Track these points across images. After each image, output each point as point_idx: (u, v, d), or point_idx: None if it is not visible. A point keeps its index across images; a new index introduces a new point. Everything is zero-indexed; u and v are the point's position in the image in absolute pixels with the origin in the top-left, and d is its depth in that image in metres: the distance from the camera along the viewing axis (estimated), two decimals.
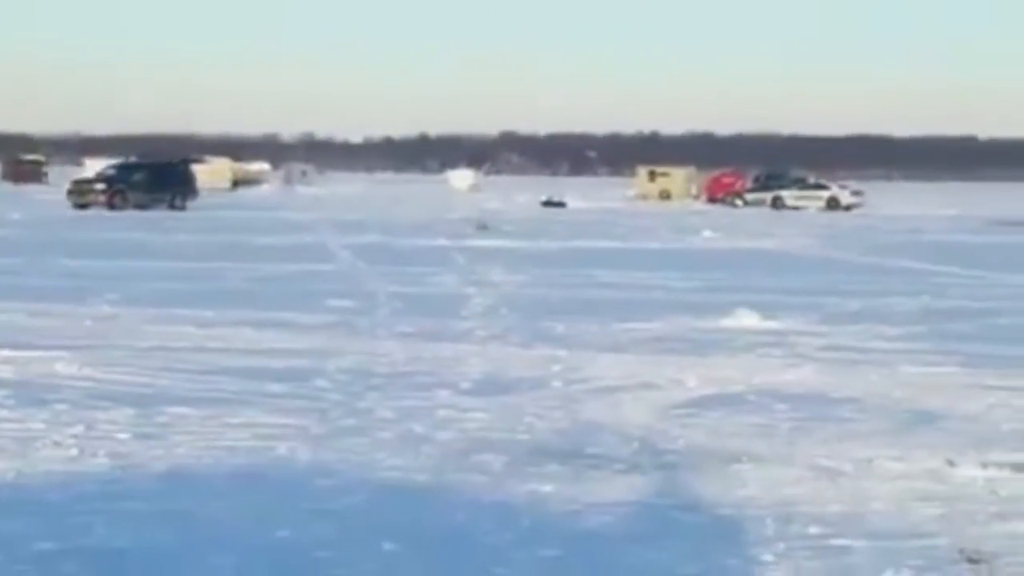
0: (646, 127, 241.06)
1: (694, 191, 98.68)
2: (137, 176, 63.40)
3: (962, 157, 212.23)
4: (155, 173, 64.32)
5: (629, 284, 27.20)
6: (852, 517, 9.19)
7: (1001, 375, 15.40)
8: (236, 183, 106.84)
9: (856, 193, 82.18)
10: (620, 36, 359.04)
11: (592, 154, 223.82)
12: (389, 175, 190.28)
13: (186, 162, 72.29)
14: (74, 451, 10.80)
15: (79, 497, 9.33)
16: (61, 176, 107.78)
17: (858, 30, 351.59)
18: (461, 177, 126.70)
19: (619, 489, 9.91)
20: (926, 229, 55.79)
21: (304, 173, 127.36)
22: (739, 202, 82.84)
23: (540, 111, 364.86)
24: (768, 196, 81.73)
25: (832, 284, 27.62)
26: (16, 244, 36.86)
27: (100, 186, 62.64)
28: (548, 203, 78.59)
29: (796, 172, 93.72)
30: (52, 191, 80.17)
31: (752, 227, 55.11)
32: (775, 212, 75.05)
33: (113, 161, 71.85)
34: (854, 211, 76.63)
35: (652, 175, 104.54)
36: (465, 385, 14.21)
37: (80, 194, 62.28)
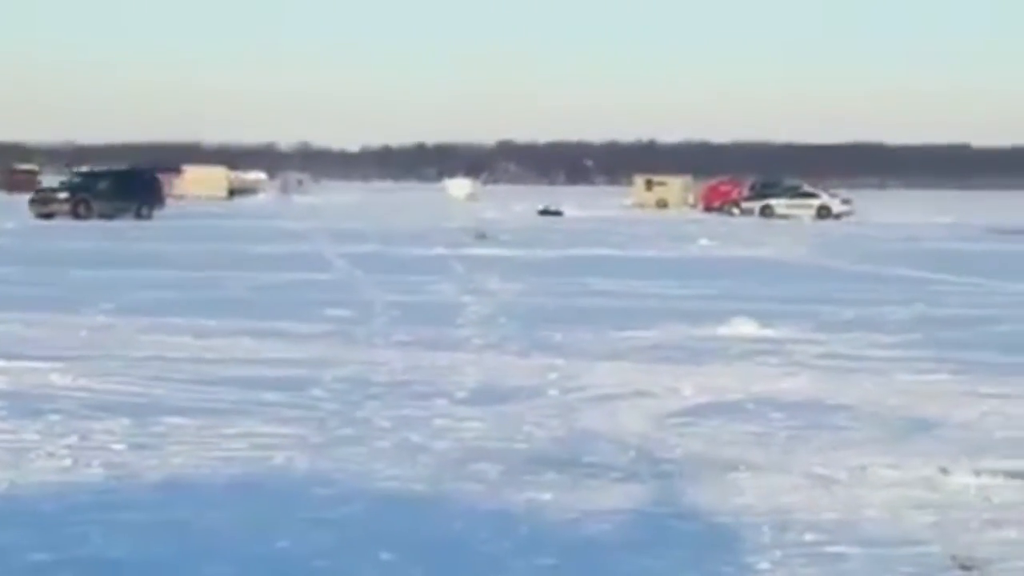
0: (643, 136, 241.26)
1: (691, 200, 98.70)
2: (102, 185, 62.04)
3: (956, 165, 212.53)
4: (120, 182, 63.02)
5: (626, 292, 27.22)
6: (847, 524, 9.22)
7: (995, 383, 15.43)
8: (232, 192, 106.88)
9: (846, 201, 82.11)
10: (617, 45, 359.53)
11: (589, 163, 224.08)
12: (386, 184, 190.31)
13: (153, 170, 70.82)
14: (69, 461, 10.80)
15: (74, 507, 9.34)
16: (56, 184, 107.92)
17: (853, 38, 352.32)
18: (458, 186, 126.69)
19: (616, 497, 9.94)
20: (921, 237, 55.85)
21: (300, 182, 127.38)
22: (735, 210, 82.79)
23: (537, 120, 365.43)
24: (758, 205, 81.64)
25: (828, 292, 27.65)
26: (9, 253, 36.86)
27: (64, 195, 61.21)
28: (545, 212, 78.63)
29: (792, 180, 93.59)
30: None
31: (748, 236, 55.15)
32: (768, 221, 74.81)
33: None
34: (844, 219, 76.53)
35: (649, 184, 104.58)
36: (462, 394, 14.23)
37: (43, 203, 60.73)
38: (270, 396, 13.85)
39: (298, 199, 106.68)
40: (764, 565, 8.30)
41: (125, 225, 55.55)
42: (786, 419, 13.05)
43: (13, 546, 8.34)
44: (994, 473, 10.77)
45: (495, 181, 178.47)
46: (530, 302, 24.72)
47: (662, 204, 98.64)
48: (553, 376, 15.46)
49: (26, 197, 65.66)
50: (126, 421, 12.39)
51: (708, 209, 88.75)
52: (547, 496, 9.91)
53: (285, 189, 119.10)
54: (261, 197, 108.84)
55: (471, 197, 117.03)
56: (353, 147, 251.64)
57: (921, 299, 26.04)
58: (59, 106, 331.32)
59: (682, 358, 17.34)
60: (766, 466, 11.04)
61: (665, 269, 34.76)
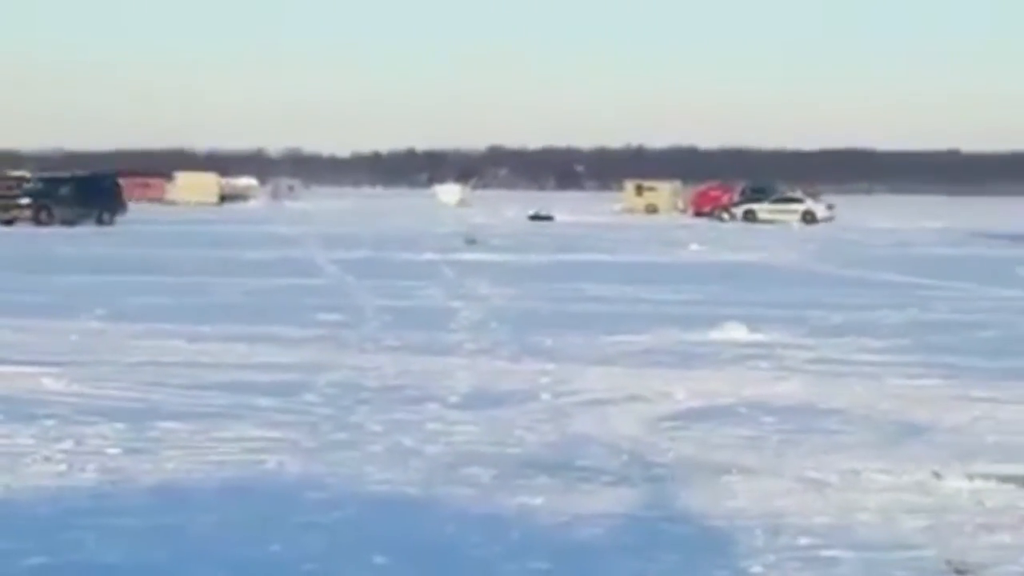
0: (633, 141, 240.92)
1: (680, 205, 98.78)
2: (64, 191, 61.18)
3: (945, 171, 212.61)
4: (82, 188, 62.18)
5: (617, 297, 27.26)
6: (840, 528, 9.25)
7: (986, 387, 15.48)
8: (224, 198, 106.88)
9: (830, 207, 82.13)
10: (607, 51, 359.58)
11: (579, 168, 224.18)
12: (377, 190, 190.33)
13: (114, 176, 69.57)
14: (63, 466, 10.83)
15: (69, 512, 9.35)
16: None
17: (843, 44, 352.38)
18: (449, 191, 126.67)
19: (608, 501, 9.96)
20: (911, 242, 55.93)
21: (291, 188, 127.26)
22: (726, 216, 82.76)
23: (527, 126, 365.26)
24: (741, 210, 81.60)
25: (818, 297, 27.70)
26: (19, 259, 36.87)
27: (25, 201, 60.20)
28: (536, 217, 78.64)
29: (782, 186, 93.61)
30: None
31: (738, 241, 55.21)
32: (756, 226, 74.57)
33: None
34: (826, 224, 76.41)
35: (639, 189, 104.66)
36: (454, 399, 14.25)
37: (4, 209, 59.43)
38: (262, 401, 13.87)
39: (289, 205, 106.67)
40: (757, 569, 8.32)
41: (93, 231, 55.10)
42: (778, 423, 13.08)
43: (9, 551, 8.35)
44: (987, 477, 10.81)
45: (485, 186, 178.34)
46: (521, 307, 24.75)
47: (652, 209, 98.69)
48: (545, 380, 15.49)
49: None
50: (120, 426, 12.40)
51: (698, 214, 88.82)
52: (539, 500, 9.93)
53: (276, 195, 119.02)
54: (252, 203, 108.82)
55: (462, 203, 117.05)
56: (343, 153, 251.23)
57: (911, 304, 26.11)
58: (50, 113, 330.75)
59: (673, 362, 17.38)
60: (758, 470, 11.07)
61: (656, 274, 34.80)
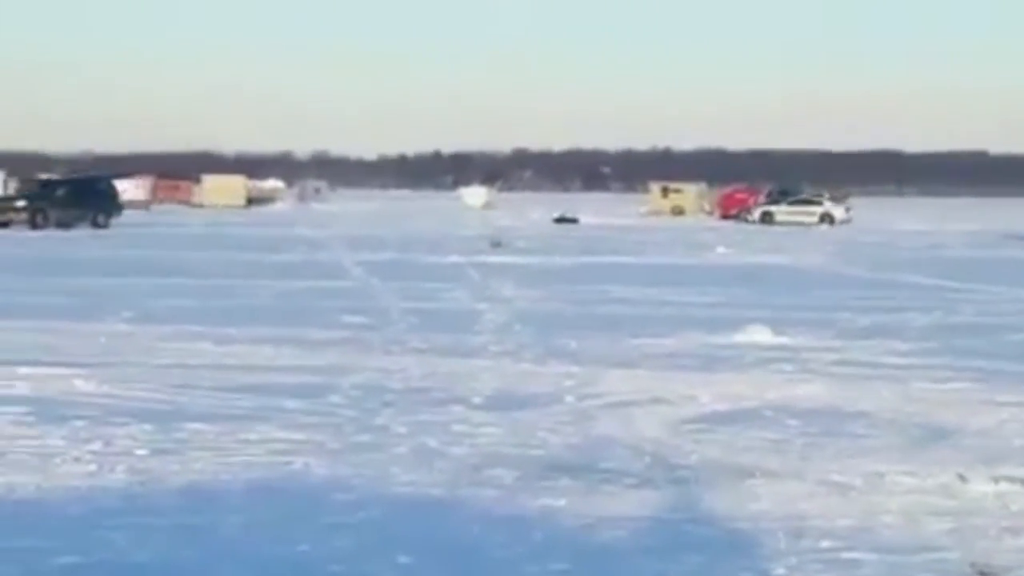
0: (659, 143, 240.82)
1: (707, 207, 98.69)
2: (59, 193, 61.02)
3: (974, 172, 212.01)
4: (77, 190, 62.09)
5: (642, 300, 27.29)
6: (863, 531, 9.28)
7: (1013, 390, 15.47)
8: (251, 200, 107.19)
9: (847, 209, 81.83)
10: (633, 52, 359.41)
11: (605, 170, 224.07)
12: (403, 192, 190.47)
13: (109, 179, 69.18)
14: (93, 467, 10.93)
15: (99, 512, 9.45)
16: None
17: (870, 45, 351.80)
18: (474, 194, 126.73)
19: (632, 503, 10.01)
20: (939, 244, 55.82)
21: (318, 190, 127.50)
22: (749, 217, 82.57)
23: (553, 128, 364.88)
24: (758, 212, 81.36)
25: (845, 299, 27.69)
26: (28, 262, 37.09)
27: (20, 203, 60.11)
28: (561, 219, 78.63)
29: (808, 188, 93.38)
30: None
31: (765, 243, 55.17)
32: (783, 229, 74.21)
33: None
34: (850, 226, 76.12)
35: (665, 191, 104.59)
36: (478, 400, 14.32)
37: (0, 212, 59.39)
38: (289, 402, 13.96)
39: (316, 207, 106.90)
40: (780, 571, 8.37)
41: (90, 234, 54.69)
42: (802, 426, 13.11)
43: (40, 549, 8.45)
44: (1012, 480, 10.82)
45: (511, 189, 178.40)
46: (546, 309, 24.80)
47: (678, 211, 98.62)
48: (569, 383, 15.54)
49: None
50: (148, 427, 12.50)
51: (724, 217, 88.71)
52: (562, 502, 9.99)
53: (303, 197, 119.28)
54: (279, 205, 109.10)
55: (487, 205, 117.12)
56: (370, 155, 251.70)
57: (938, 306, 26.08)
58: (78, 116, 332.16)
59: (698, 365, 17.41)
60: (782, 473, 11.11)
61: (681, 277, 34.81)
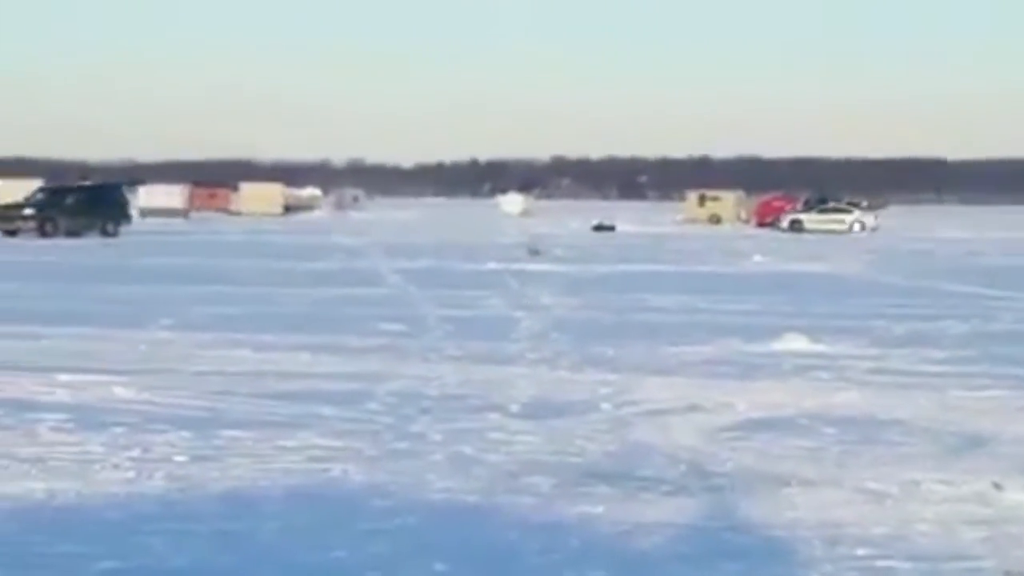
0: (696, 151, 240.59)
1: (744, 215, 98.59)
2: (68, 201, 60.43)
3: (1013, 180, 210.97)
4: (87, 198, 61.45)
5: (679, 308, 27.29)
6: (899, 539, 9.29)
7: None
8: (288, 208, 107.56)
9: (876, 217, 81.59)
10: (671, 61, 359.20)
11: (642, 178, 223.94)
12: (440, 200, 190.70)
13: (119, 186, 68.53)
14: (132, 473, 11.02)
15: (138, 518, 9.53)
16: None
17: (911, 53, 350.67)
18: (512, 202, 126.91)
19: (668, 511, 10.04)
20: (977, 252, 55.63)
21: (355, 198, 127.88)
22: (783, 224, 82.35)
23: (590, 136, 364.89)
24: (787, 219, 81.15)
25: (881, 307, 27.63)
26: (69, 269, 37.33)
27: (29, 212, 59.22)
28: (598, 227, 78.67)
29: (846, 196, 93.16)
30: None
31: (802, 251, 55.08)
32: (819, 237, 73.95)
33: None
34: (887, 234, 75.89)
35: (702, 199, 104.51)
36: (515, 408, 14.36)
37: (8, 220, 58.56)
38: (326, 410, 14.03)
39: (353, 215, 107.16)
40: None
41: (100, 243, 54.18)
42: (838, 434, 13.12)
43: (81, 555, 8.54)
44: None
45: (548, 196, 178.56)
46: (583, 317, 24.84)
47: (715, 219, 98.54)
48: (606, 391, 15.57)
49: None
50: (187, 434, 12.59)
51: (761, 225, 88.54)
52: (599, 509, 10.03)
53: (340, 205, 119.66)
54: (316, 213, 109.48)
55: (524, 213, 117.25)
56: (407, 163, 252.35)
57: (976, 314, 26.01)
58: (118, 124, 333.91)
59: (734, 373, 17.42)
60: (818, 481, 11.12)
61: (718, 285, 34.80)
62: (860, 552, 8.93)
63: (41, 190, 63.26)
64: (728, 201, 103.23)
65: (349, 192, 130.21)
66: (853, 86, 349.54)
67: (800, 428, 13.45)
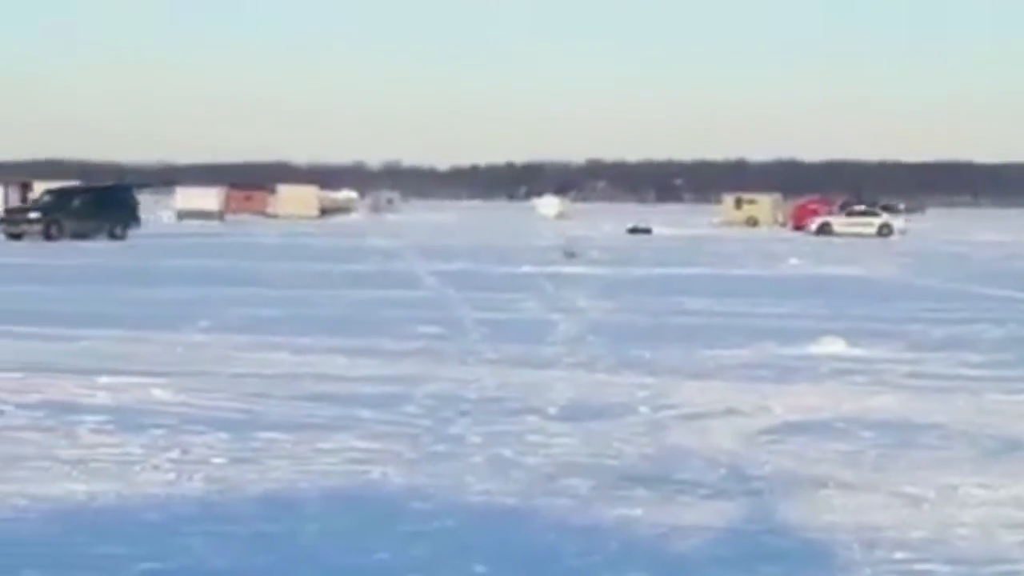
0: (732, 154, 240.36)
1: (780, 218, 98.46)
2: (75, 203, 59.13)
3: None
4: (95, 200, 60.10)
5: (715, 311, 27.27)
6: (937, 543, 9.28)
7: None
8: (324, 211, 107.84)
9: (906, 220, 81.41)
10: (706, 63, 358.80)
11: (678, 181, 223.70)
12: (475, 203, 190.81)
13: (130, 188, 67.10)
14: (172, 475, 11.08)
15: (178, 519, 9.59)
16: (152, 203, 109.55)
17: (947, 56, 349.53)
18: (548, 205, 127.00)
19: (706, 514, 10.05)
20: (1013, 255, 55.41)
21: (391, 201, 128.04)
22: (812, 228, 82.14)
23: (626, 138, 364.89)
24: (816, 223, 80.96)
25: (918, 311, 27.57)
26: (103, 271, 37.53)
27: (35, 215, 58.16)
28: (634, 230, 78.64)
29: (882, 199, 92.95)
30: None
31: (838, 254, 54.96)
32: (850, 240, 73.54)
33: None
34: (902, 236, 75.71)
35: (738, 202, 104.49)
36: (553, 411, 14.38)
37: (13, 223, 57.63)
38: (364, 412, 14.07)
39: (389, 218, 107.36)
40: None
41: (115, 245, 53.56)
42: (876, 438, 13.10)
43: (121, 556, 8.60)
44: None
45: (584, 199, 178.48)
46: (620, 320, 24.85)
47: (752, 222, 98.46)
48: (643, 394, 15.58)
49: None
50: (225, 435, 12.66)
51: (798, 228, 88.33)
52: (637, 512, 10.05)
53: (376, 208, 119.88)
54: (352, 216, 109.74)
55: (560, 215, 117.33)
56: (442, 166, 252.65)
57: (1012, 318, 25.91)
58: (153, 127, 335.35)
59: (771, 376, 17.41)
60: (856, 484, 11.11)
61: (754, 287, 34.76)
62: (898, 556, 8.93)
63: (47, 192, 62.01)
64: (765, 204, 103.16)
65: (385, 195, 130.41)
66: (889, 91, 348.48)
67: (837, 431, 13.44)
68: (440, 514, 9.80)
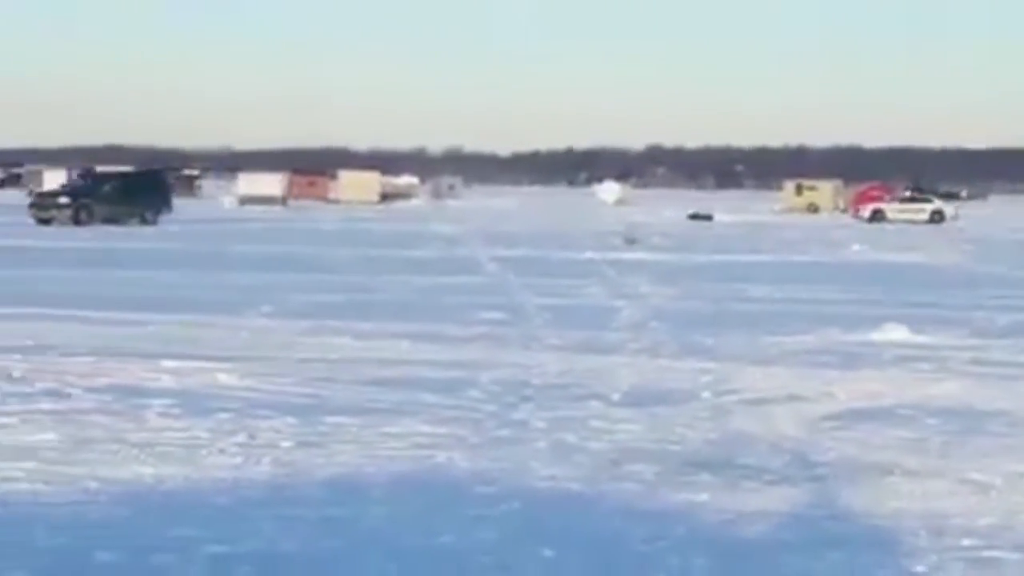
0: (793, 140, 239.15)
1: (841, 205, 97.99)
2: (106, 188, 58.19)
3: None
4: (126, 185, 59.16)
5: (777, 297, 27.21)
6: (1005, 529, 9.27)
7: None
8: (384, 196, 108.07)
9: (957, 207, 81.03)
10: (768, 49, 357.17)
11: (739, 168, 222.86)
12: (536, 188, 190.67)
13: (162, 172, 66.27)
14: (239, 459, 11.17)
15: (246, 503, 9.68)
16: (215, 188, 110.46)
17: (1010, 42, 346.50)
18: (608, 190, 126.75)
19: (771, 499, 10.06)
20: None
21: (452, 187, 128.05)
22: (865, 214, 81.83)
23: (686, 125, 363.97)
24: (869, 209, 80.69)
25: (981, 298, 27.41)
26: (171, 257, 37.76)
27: (64, 200, 57.18)
28: (695, 216, 78.39)
29: (944, 186, 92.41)
30: (203, 202, 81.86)
31: (900, 241, 54.67)
32: (907, 227, 73.11)
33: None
34: (956, 223, 75.34)
35: (799, 189, 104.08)
36: (616, 396, 14.40)
37: (43, 208, 56.55)
38: (428, 397, 14.14)
39: (450, 203, 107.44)
40: (920, 568, 8.39)
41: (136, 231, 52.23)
42: (940, 424, 13.06)
43: (191, 538, 8.68)
44: None
45: (644, 186, 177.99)
46: (682, 307, 24.82)
47: (813, 209, 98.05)
48: (706, 379, 15.59)
49: (184, 200, 65.01)
50: (292, 420, 12.74)
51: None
52: (703, 497, 10.07)
53: (437, 194, 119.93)
54: (413, 202, 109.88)
55: (621, 201, 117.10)
56: (503, 152, 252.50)
57: None
58: (218, 113, 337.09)
59: (835, 363, 17.36)
60: (921, 471, 11.09)
61: (816, 274, 34.64)
62: (966, 543, 8.91)
63: (80, 176, 61.00)
64: (826, 190, 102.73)
65: (446, 180, 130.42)
66: (951, 77, 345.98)
67: (902, 418, 13.40)
68: (506, 498, 9.85)
